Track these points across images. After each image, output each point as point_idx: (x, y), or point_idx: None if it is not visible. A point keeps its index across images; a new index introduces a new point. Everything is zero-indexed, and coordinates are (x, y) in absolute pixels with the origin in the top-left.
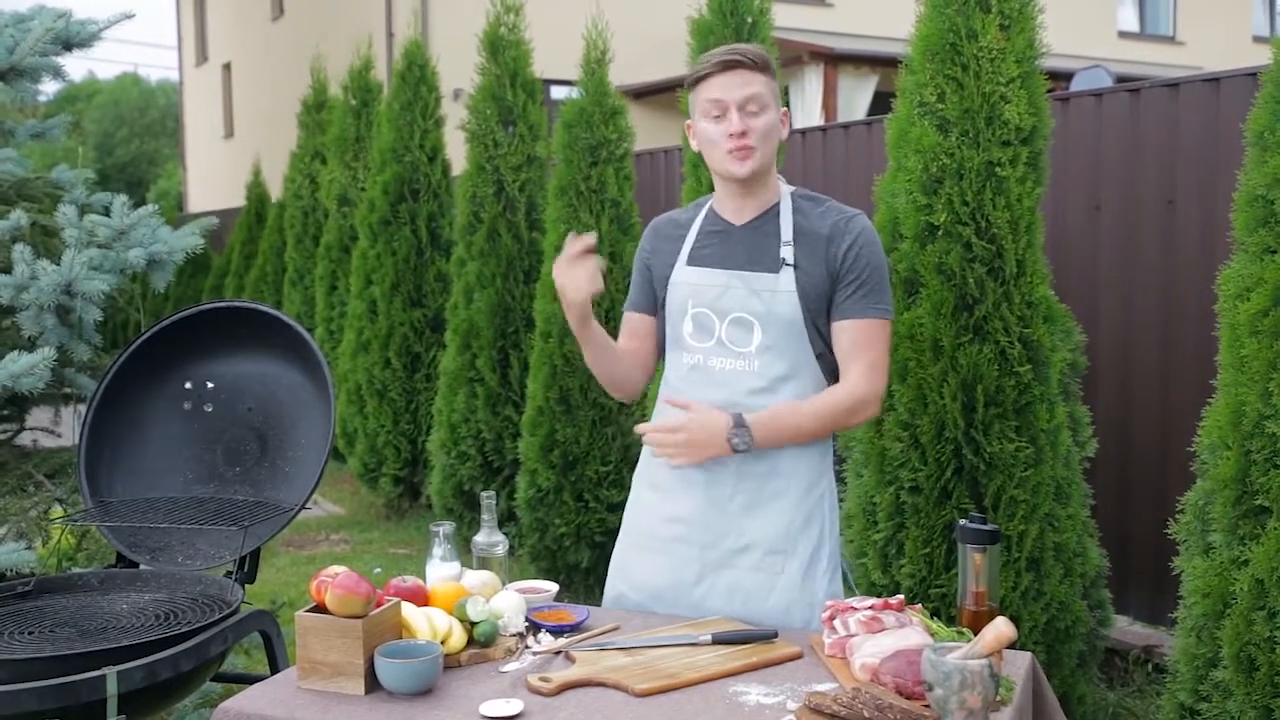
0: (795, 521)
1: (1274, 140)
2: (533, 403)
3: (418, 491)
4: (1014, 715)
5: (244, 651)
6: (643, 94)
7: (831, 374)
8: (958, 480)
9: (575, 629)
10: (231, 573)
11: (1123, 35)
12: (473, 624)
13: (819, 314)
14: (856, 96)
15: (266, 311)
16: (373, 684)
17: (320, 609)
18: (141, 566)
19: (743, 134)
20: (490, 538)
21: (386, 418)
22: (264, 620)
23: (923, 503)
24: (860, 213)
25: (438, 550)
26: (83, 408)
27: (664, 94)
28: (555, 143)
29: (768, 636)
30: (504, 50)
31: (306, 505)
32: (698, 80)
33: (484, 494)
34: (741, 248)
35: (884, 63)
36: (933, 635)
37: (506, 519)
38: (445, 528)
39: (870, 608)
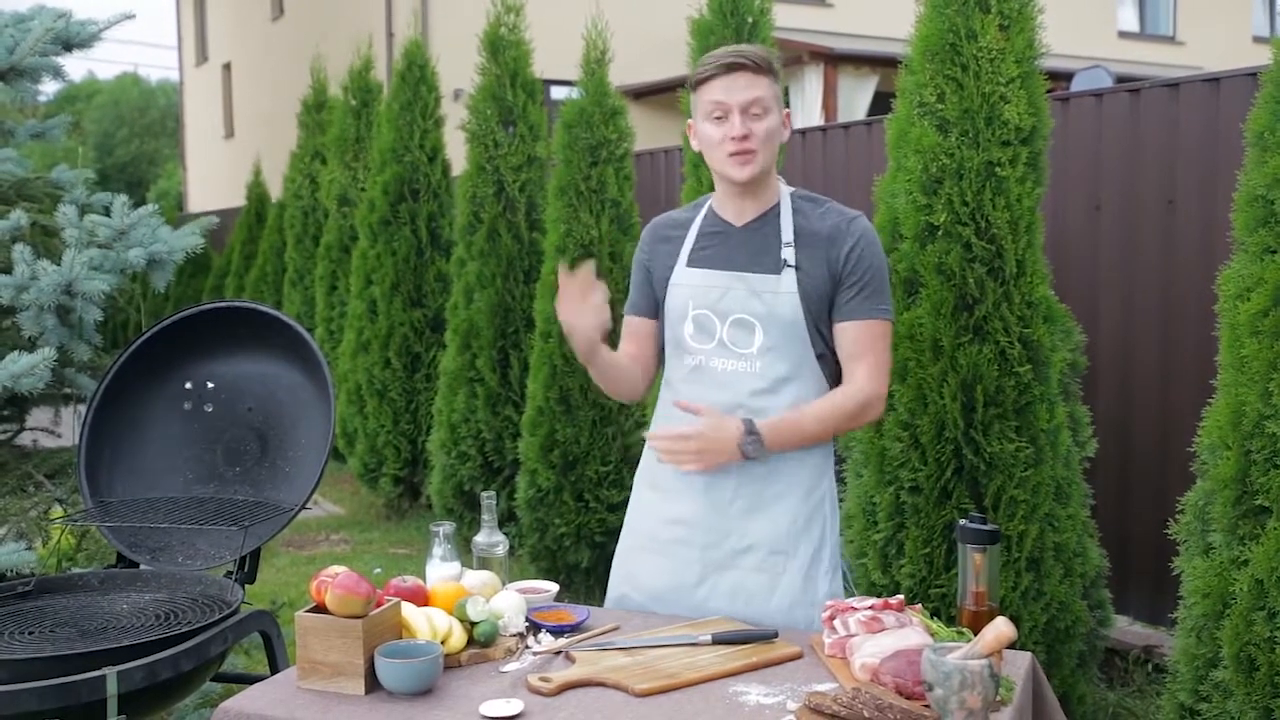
0: (797, 522)
1: (1274, 140)
2: (533, 403)
3: (418, 491)
4: (1014, 715)
5: (244, 651)
6: (643, 94)
7: (832, 375)
8: (958, 480)
9: (575, 629)
10: (231, 573)
11: (1123, 35)
12: (473, 624)
13: (820, 315)
14: (856, 96)
15: (266, 311)
16: (373, 684)
17: (320, 609)
18: (142, 566)
19: (744, 137)
20: (490, 538)
21: (386, 418)
22: (264, 620)
23: (923, 503)
24: (860, 214)
25: (438, 550)
26: (83, 408)
27: (664, 94)
28: (555, 143)
29: (768, 636)
30: (504, 50)
31: (307, 505)
32: (700, 81)
33: (484, 494)
34: (742, 249)
35: (884, 63)
36: (933, 635)
37: (506, 519)
38: (445, 528)
39: (870, 608)
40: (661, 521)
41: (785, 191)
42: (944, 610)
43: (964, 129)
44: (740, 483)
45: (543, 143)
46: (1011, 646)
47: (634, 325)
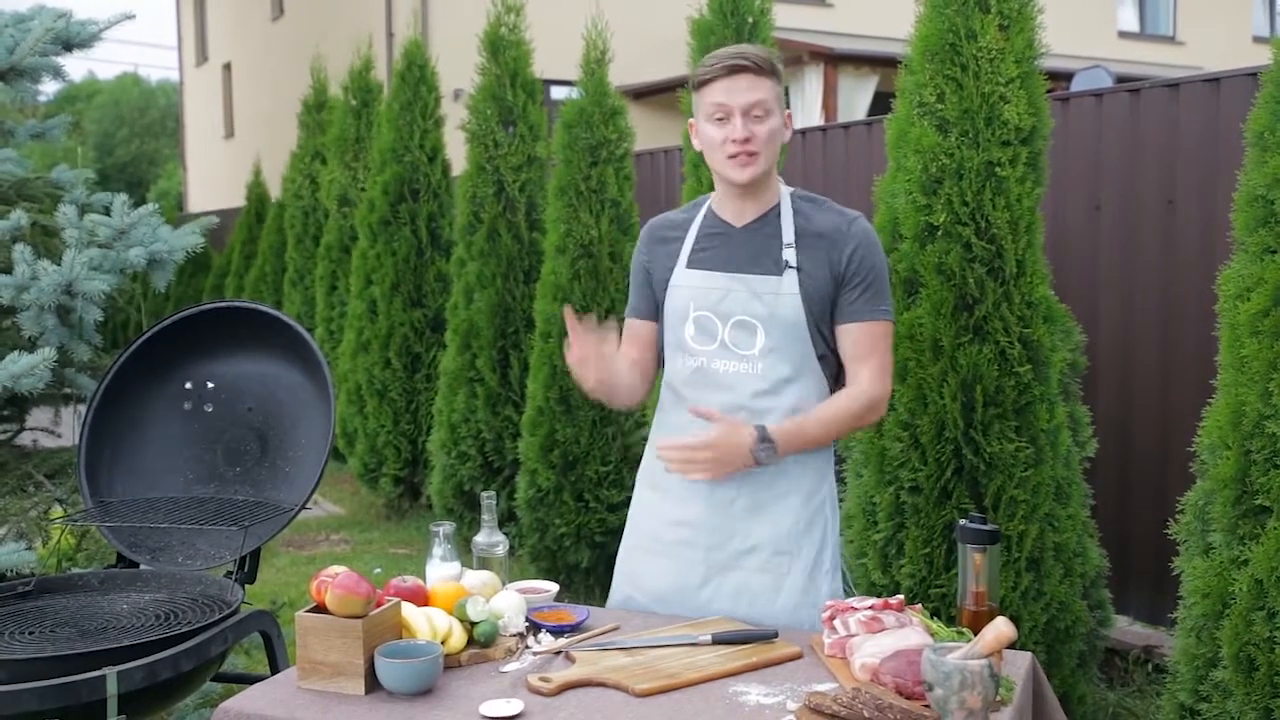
0: (800, 523)
1: (1274, 140)
2: (533, 403)
3: (418, 491)
4: (1014, 715)
5: (244, 651)
6: (643, 94)
7: (832, 375)
8: (958, 480)
9: (575, 629)
10: (232, 573)
11: (1123, 35)
12: (473, 624)
13: (822, 316)
14: (856, 96)
15: (266, 311)
16: (373, 684)
17: (320, 609)
18: (142, 566)
19: (746, 140)
20: (490, 538)
21: (387, 418)
22: (264, 620)
23: (923, 503)
24: (860, 214)
25: (438, 550)
26: (83, 408)
27: (664, 94)
28: (555, 143)
29: (768, 636)
30: (504, 50)
31: (307, 505)
32: (703, 82)
33: (484, 494)
34: (743, 250)
35: (884, 63)
36: (933, 635)
37: (506, 519)
38: (445, 528)
39: (870, 608)
40: (665, 523)
41: (785, 192)
42: (944, 610)
43: (964, 129)
44: (743, 484)
45: (543, 143)
46: (1011, 646)
47: (635, 328)
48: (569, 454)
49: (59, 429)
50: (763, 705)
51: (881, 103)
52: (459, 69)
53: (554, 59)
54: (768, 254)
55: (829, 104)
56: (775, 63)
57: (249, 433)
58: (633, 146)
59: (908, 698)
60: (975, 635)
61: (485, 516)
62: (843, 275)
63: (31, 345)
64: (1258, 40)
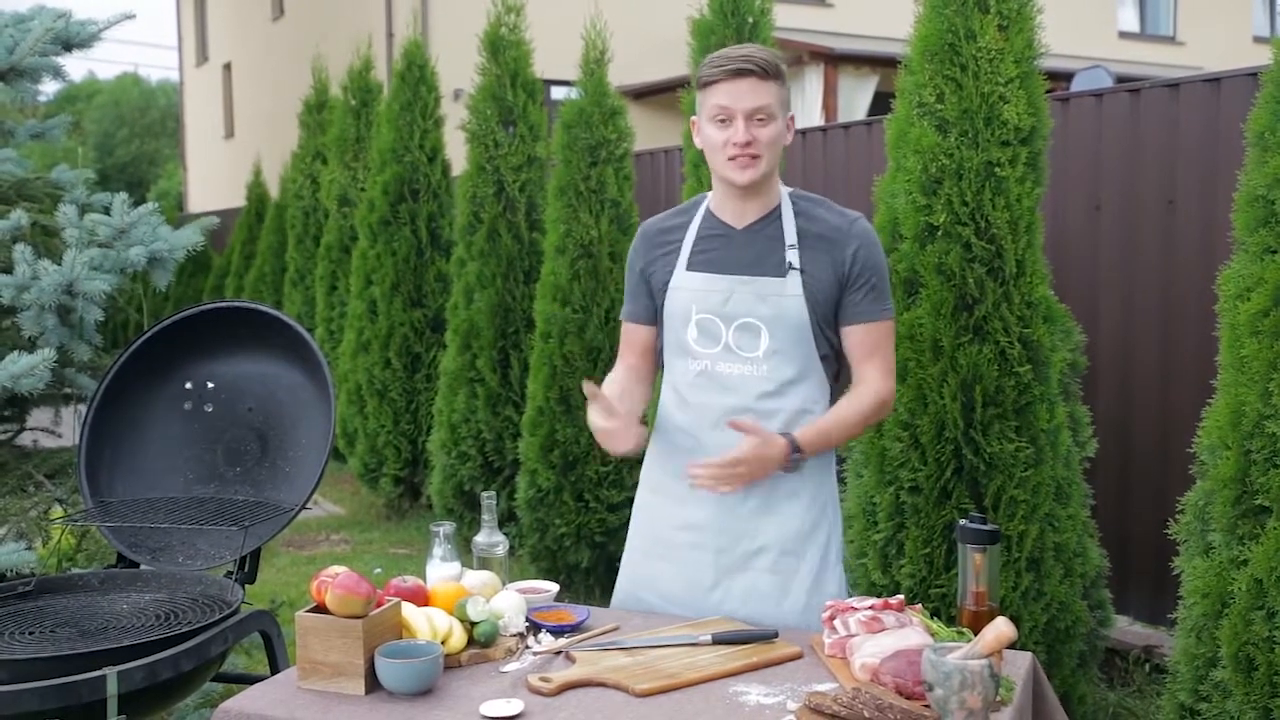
0: (806, 523)
1: (1274, 140)
2: (533, 403)
3: (418, 492)
4: (1014, 715)
5: (244, 651)
6: (643, 94)
7: (833, 375)
8: (958, 480)
9: (575, 629)
10: (232, 573)
11: (1123, 35)
12: (473, 624)
13: (826, 317)
14: (856, 96)
15: (266, 311)
16: (373, 684)
17: (320, 609)
18: (142, 567)
19: (747, 144)
20: (490, 538)
21: (387, 418)
22: (264, 620)
23: (923, 503)
24: (860, 215)
25: (438, 550)
26: (83, 408)
27: (664, 94)
28: (555, 143)
29: (768, 636)
30: (504, 50)
31: (307, 505)
32: (707, 83)
33: (484, 494)
34: (745, 251)
35: (884, 63)
36: (933, 635)
37: (507, 519)
38: (445, 528)
39: (870, 608)
40: (673, 527)
41: (784, 192)
42: (944, 610)
43: (963, 129)
44: (751, 486)
45: (543, 143)
46: (1012, 646)
47: (634, 334)
48: (569, 454)
49: (59, 429)
50: (763, 705)
51: (881, 103)
52: (459, 69)
53: (554, 59)
54: (770, 255)
55: (829, 104)
56: (780, 65)
57: (249, 433)
58: (632, 146)
59: (908, 698)
60: (975, 635)
61: (485, 516)
62: (846, 276)
63: (32, 345)
64: (1258, 40)
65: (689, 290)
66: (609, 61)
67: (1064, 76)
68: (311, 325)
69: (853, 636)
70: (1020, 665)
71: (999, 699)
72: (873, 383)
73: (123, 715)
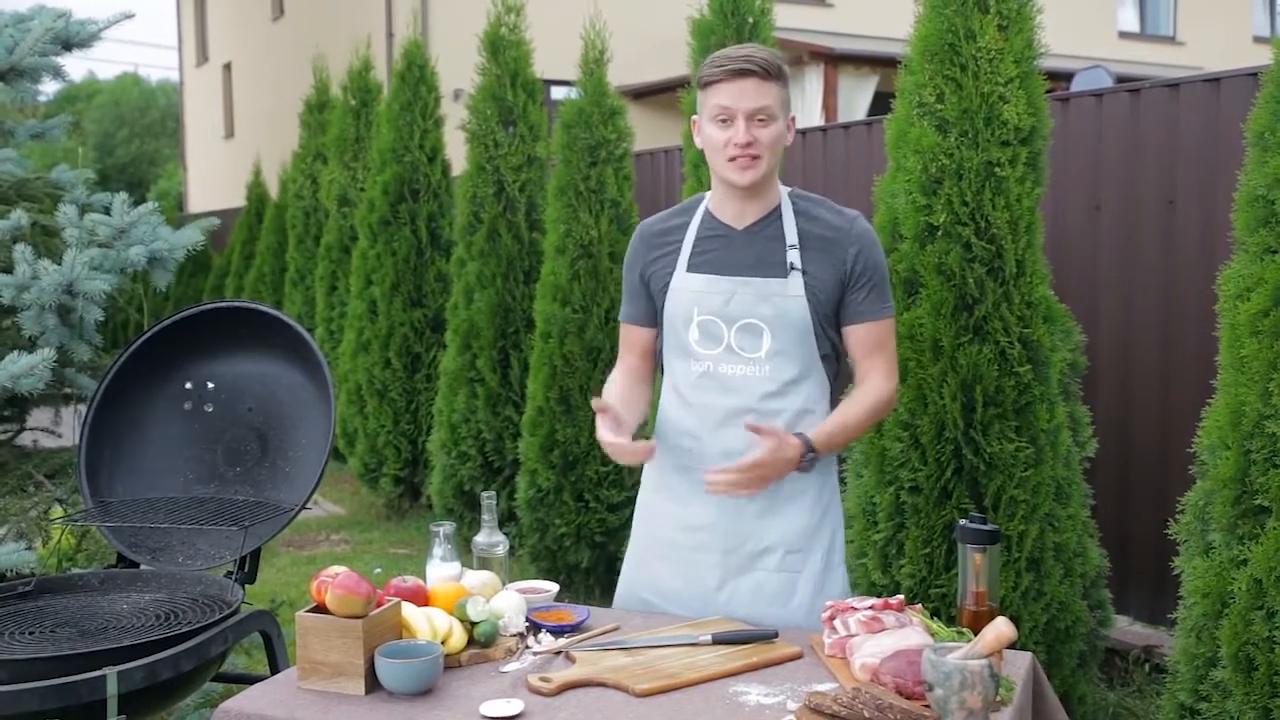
0: (811, 522)
1: (1274, 140)
2: (533, 403)
3: (418, 491)
4: (1014, 715)
5: (244, 651)
6: (643, 94)
7: (833, 374)
8: (958, 480)
9: (575, 629)
10: (232, 573)
11: (1123, 35)
12: (473, 624)
13: (827, 317)
14: (856, 96)
15: (266, 311)
16: (373, 684)
17: (320, 609)
18: (142, 567)
19: (748, 145)
20: (490, 538)
21: (387, 418)
22: (264, 620)
23: (923, 503)
24: (859, 214)
25: (438, 550)
26: (83, 408)
27: (664, 94)
28: (554, 143)
29: (768, 636)
30: (504, 50)
31: (307, 505)
32: (708, 82)
33: (484, 494)
34: (747, 252)
35: (884, 63)
36: (933, 635)
37: (507, 519)
38: (445, 528)
39: (870, 608)
40: (677, 527)
41: (784, 192)
42: (944, 610)
43: (963, 129)
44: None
45: (543, 143)
46: (1012, 646)
47: (633, 336)
48: (569, 454)
49: (59, 429)
50: (763, 705)
51: (881, 103)
52: (459, 69)
53: (554, 59)
54: (771, 256)
55: (829, 104)
56: (782, 66)
57: (249, 433)
58: (632, 146)
59: (908, 698)
60: (975, 635)
61: (485, 516)
62: (848, 277)
63: (32, 345)
64: (1258, 40)
65: (690, 292)
66: (609, 61)
67: (1064, 76)
68: (311, 325)
69: (853, 636)
70: (1020, 665)
71: (999, 699)
72: (877, 380)
73: (123, 715)
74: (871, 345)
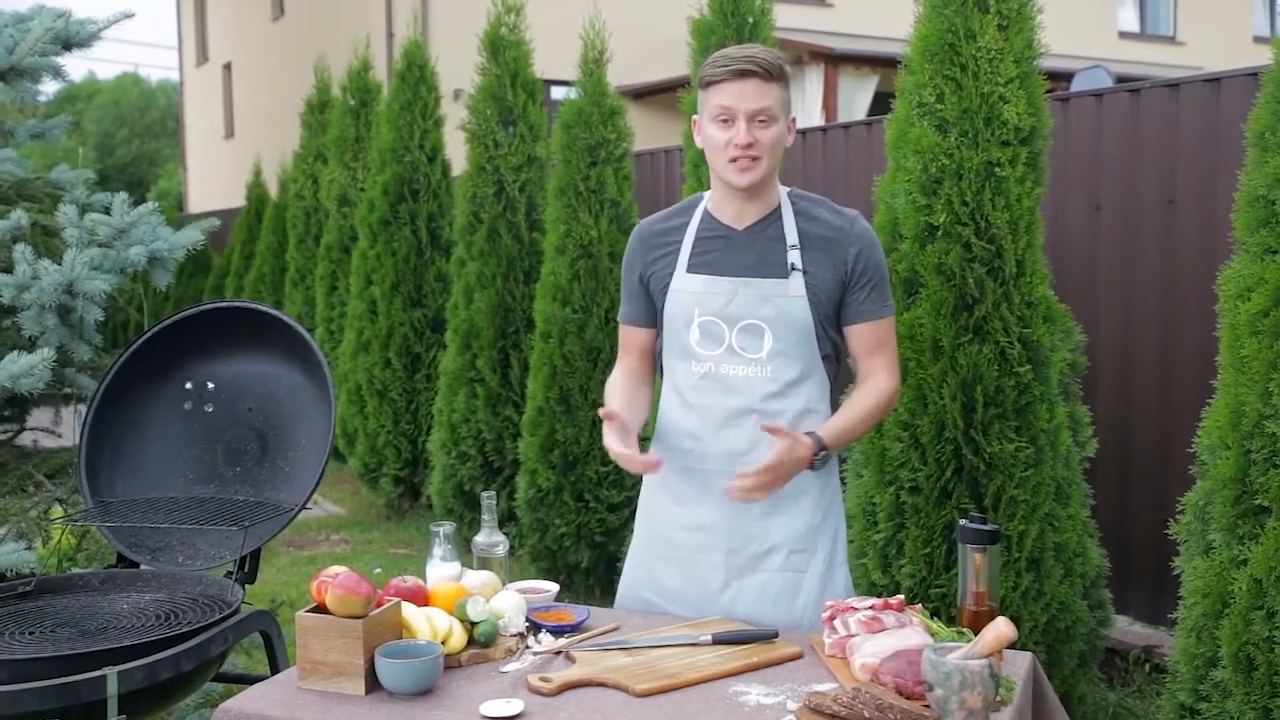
0: (814, 521)
1: (1275, 140)
2: (533, 403)
3: (418, 492)
4: (1014, 715)
5: (244, 651)
6: (643, 94)
7: (833, 374)
8: (958, 480)
9: (575, 629)
10: (232, 573)
11: (1123, 35)
12: (473, 624)
13: (828, 317)
14: (856, 96)
15: (267, 311)
16: (373, 684)
17: (320, 609)
18: (142, 567)
19: (749, 146)
20: (490, 538)
21: (387, 418)
22: (264, 620)
23: (923, 503)
24: (858, 214)
25: (438, 550)
26: (83, 408)
27: (664, 94)
28: (554, 143)
29: (768, 636)
30: (504, 50)
31: (307, 505)
32: (710, 82)
33: (484, 494)
34: (748, 252)
35: (884, 63)
36: (933, 635)
37: (507, 519)
38: (445, 528)
39: (870, 608)
40: (679, 528)
41: (783, 192)
42: (944, 610)
43: (963, 129)
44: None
45: (543, 143)
46: (1012, 646)
47: (633, 336)
48: (569, 454)
49: (59, 429)
50: (763, 705)
51: (881, 103)
52: (459, 69)
53: (554, 59)
54: (772, 256)
55: (829, 104)
56: (784, 67)
57: (249, 433)
58: (631, 146)
59: (908, 698)
60: (975, 635)
61: (485, 516)
62: (849, 277)
63: (32, 345)
64: (1258, 40)
65: (690, 293)
66: (608, 61)
67: (1064, 76)
68: (311, 325)
69: (853, 636)
70: (1020, 665)
71: (999, 699)
72: (880, 377)
73: (123, 715)
74: (873, 344)
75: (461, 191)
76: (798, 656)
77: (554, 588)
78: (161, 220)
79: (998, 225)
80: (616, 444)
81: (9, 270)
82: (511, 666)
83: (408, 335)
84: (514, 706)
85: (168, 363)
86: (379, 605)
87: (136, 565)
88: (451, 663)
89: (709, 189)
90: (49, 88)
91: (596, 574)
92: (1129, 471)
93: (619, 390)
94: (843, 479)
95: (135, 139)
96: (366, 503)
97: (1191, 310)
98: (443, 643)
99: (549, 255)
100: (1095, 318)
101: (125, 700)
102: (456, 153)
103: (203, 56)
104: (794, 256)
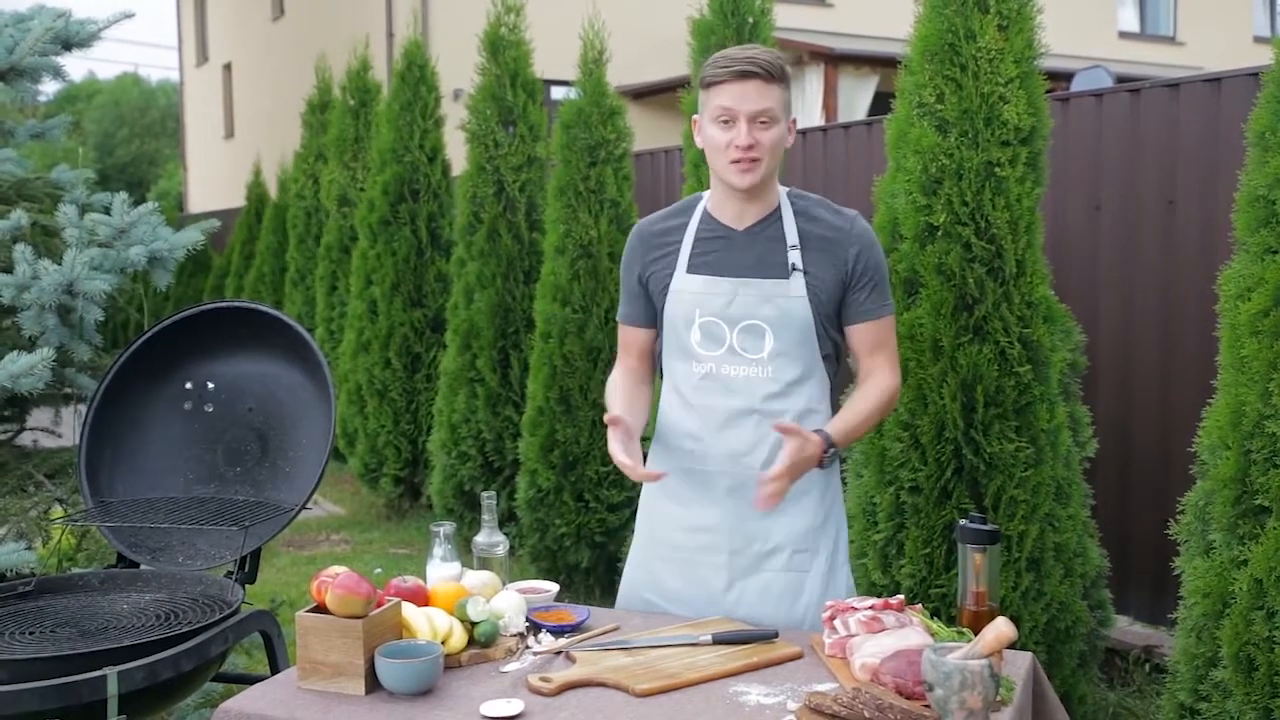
0: (817, 520)
1: (1275, 140)
2: (533, 403)
3: (418, 492)
4: (1014, 715)
5: (245, 651)
6: (642, 94)
7: (833, 374)
8: (958, 480)
9: (575, 629)
10: (232, 573)
11: (1123, 35)
12: (473, 624)
13: (829, 317)
14: (856, 96)
15: (267, 311)
16: (373, 684)
17: (321, 609)
18: (142, 567)
19: (749, 147)
20: (491, 538)
21: (387, 418)
22: (264, 620)
23: (923, 503)
24: (857, 213)
25: (438, 550)
26: (83, 408)
27: (664, 94)
28: (554, 143)
29: (768, 636)
30: (504, 50)
31: (307, 505)
32: (711, 82)
33: (484, 494)
34: (748, 253)
35: (884, 63)
36: (933, 635)
37: (507, 519)
38: (446, 528)
39: (870, 608)
40: (683, 530)
41: (783, 192)
42: (944, 610)
43: (963, 129)
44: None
45: (543, 143)
46: (1012, 646)
47: (633, 337)
48: (569, 454)
49: (59, 429)
50: (763, 705)
51: (881, 103)
52: (459, 69)
53: (554, 59)
54: (772, 257)
55: (829, 104)
56: (785, 68)
57: (249, 433)
58: (631, 146)
59: (908, 698)
60: (975, 635)
61: (485, 516)
62: (849, 277)
63: (32, 345)
64: (1258, 40)
65: (691, 293)
66: (608, 61)
67: (1064, 76)
68: (311, 325)
69: (853, 636)
70: (1020, 665)
71: (999, 699)
72: (882, 375)
73: (123, 715)
74: (874, 343)
75: (461, 191)
76: (798, 656)
77: (554, 588)
78: (161, 220)
79: (998, 225)
80: (621, 453)
81: (9, 270)
82: (512, 666)
83: (408, 335)
84: (514, 706)
85: (168, 363)
86: (379, 605)
87: (136, 565)
88: (452, 663)
89: (709, 189)
90: (49, 88)
91: (596, 574)
92: (1129, 471)
93: (619, 391)
94: (843, 479)
95: (135, 139)
96: (366, 503)
97: (1191, 310)
98: (443, 643)
99: (549, 255)
100: (1095, 318)
101: (125, 700)
102: (456, 153)
103: (203, 56)
104: (794, 257)
